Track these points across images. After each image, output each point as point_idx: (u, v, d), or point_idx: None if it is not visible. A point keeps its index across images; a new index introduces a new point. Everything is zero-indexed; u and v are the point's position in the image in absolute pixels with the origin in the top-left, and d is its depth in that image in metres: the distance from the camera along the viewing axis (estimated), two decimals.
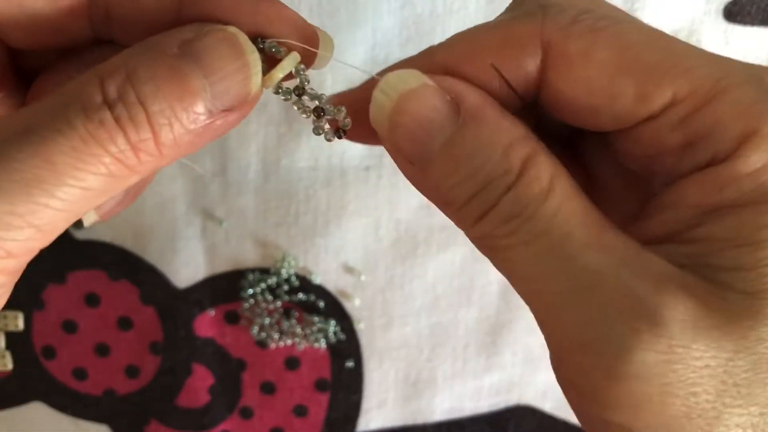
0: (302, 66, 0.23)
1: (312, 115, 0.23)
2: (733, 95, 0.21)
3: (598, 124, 0.23)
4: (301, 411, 0.50)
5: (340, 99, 0.25)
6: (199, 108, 0.21)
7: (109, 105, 0.20)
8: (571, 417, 0.51)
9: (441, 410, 0.50)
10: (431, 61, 0.23)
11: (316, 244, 0.46)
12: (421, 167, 0.22)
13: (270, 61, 0.23)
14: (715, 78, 0.21)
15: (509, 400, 0.50)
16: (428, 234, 0.46)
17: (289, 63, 0.23)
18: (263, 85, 0.23)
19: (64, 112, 0.20)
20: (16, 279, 0.22)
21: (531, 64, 0.22)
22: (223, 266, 0.47)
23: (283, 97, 0.23)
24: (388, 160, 0.44)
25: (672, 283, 0.20)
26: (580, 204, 0.21)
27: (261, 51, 0.23)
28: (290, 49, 0.23)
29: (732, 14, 0.41)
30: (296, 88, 0.23)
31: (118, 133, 0.20)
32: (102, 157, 0.20)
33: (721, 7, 0.41)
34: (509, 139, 0.21)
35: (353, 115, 0.24)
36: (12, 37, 0.24)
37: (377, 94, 0.22)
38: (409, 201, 0.45)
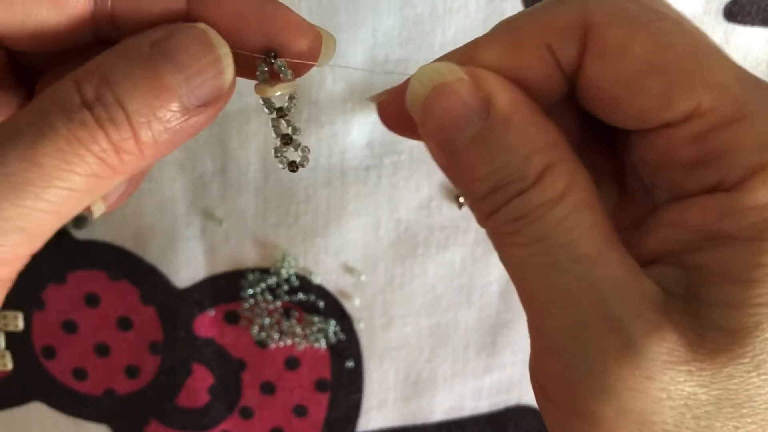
0: (296, 95, 0.25)
1: (279, 140, 0.25)
2: (757, 123, 0.20)
3: (619, 120, 0.23)
4: (301, 411, 0.50)
5: (387, 92, 0.25)
6: (176, 105, 0.21)
7: (88, 106, 0.21)
8: None
9: (441, 410, 0.50)
10: (475, 53, 0.23)
11: (316, 244, 0.46)
12: (448, 156, 0.23)
13: (272, 75, 0.24)
14: (743, 100, 0.20)
15: (509, 400, 0.50)
16: (428, 234, 0.46)
17: (287, 87, 0.24)
18: (258, 92, 0.24)
19: (46, 115, 0.20)
20: (8, 287, 0.22)
21: (573, 50, 0.22)
22: (223, 266, 0.47)
23: (266, 110, 0.24)
24: (388, 160, 0.44)
25: (656, 311, 0.20)
26: (590, 216, 0.21)
27: (270, 65, 0.24)
28: (296, 68, 0.24)
29: (732, 14, 0.41)
30: (280, 109, 0.24)
31: (99, 133, 0.21)
32: (86, 157, 0.20)
33: (722, 6, 0.41)
34: (532, 146, 0.21)
35: (398, 106, 0.24)
36: (15, 43, 0.24)
37: (414, 83, 0.23)
38: (409, 201, 0.45)
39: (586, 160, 0.24)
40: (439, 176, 0.44)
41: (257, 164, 0.44)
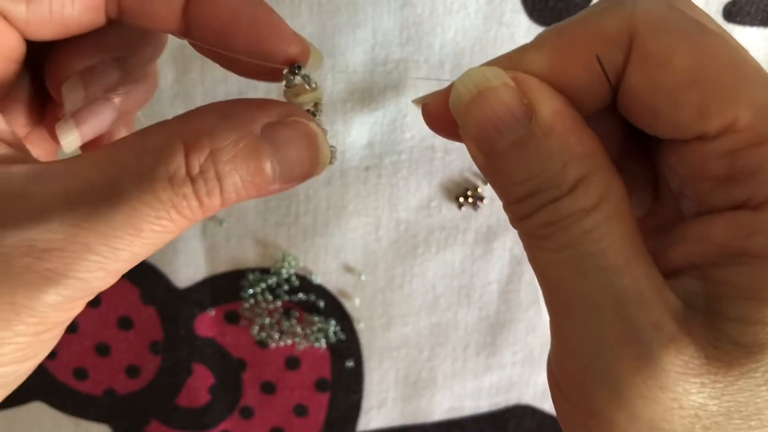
0: (321, 101, 0.27)
1: None
2: None
3: (655, 129, 0.23)
4: (301, 411, 0.50)
5: (432, 95, 0.26)
6: (267, 183, 0.23)
7: (192, 179, 0.22)
8: None
9: (441, 410, 0.50)
10: (522, 59, 0.24)
11: (316, 244, 0.46)
12: (488, 159, 0.23)
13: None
14: None
15: (509, 400, 0.50)
16: (428, 234, 0.46)
17: (312, 96, 0.26)
18: (288, 100, 0.26)
19: (151, 184, 0.22)
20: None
21: (619, 58, 0.23)
22: (223, 266, 0.47)
23: None
24: (388, 160, 0.44)
25: (676, 324, 0.21)
26: (620, 228, 0.22)
27: (294, 75, 0.25)
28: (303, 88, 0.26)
29: (731, 14, 0.41)
30: (308, 112, 0.26)
31: (195, 203, 0.22)
32: (179, 221, 0.23)
33: (721, 7, 0.41)
34: (570, 156, 0.22)
35: (441, 108, 0.25)
36: (39, 35, 0.25)
37: (458, 85, 0.23)
38: (409, 201, 0.45)
39: (624, 165, 0.24)
40: (439, 176, 0.45)
41: None
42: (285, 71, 0.25)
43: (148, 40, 0.29)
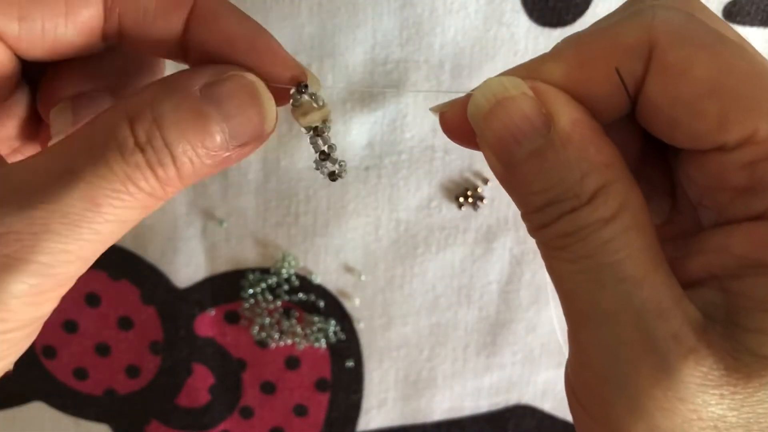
0: (329, 118, 0.27)
1: (318, 155, 0.27)
2: None
3: (675, 139, 0.23)
4: (301, 411, 0.50)
5: (450, 103, 0.26)
6: (218, 147, 0.23)
7: (141, 149, 0.22)
8: (571, 417, 0.51)
9: (441, 410, 0.50)
10: (541, 68, 0.24)
11: (316, 244, 0.46)
12: (506, 169, 0.23)
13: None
14: None
15: (509, 400, 0.50)
16: (428, 234, 0.46)
17: (320, 113, 0.27)
18: (296, 118, 0.27)
19: (103, 156, 0.22)
20: (55, 305, 0.24)
21: (639, 69, 0.23)
22: (223, 266, 0.47)
23: (303, 130, 0.27)
24: (388, 160, 0.44)
25: (695, 335, 0.21)
26: (639, 238, 0.22)
27: (300, 94, 0.26)
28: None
29: (731, 14, 0.41)
30: (316, 129, 0.27)
31: (149, 174, 0.22)
32: (137, 194, 0.23)
33: (721, 7, 0.41)
34: (589, 166, 0.22)
35: (459, 117, 0.25)
36: (32, 55, 0.25)
37: (477, 95, 0.23)
38: (409, 201, 0.45)
39: (642, 173, 0.24)
40: (439, 176, 0.45)
41: (257, 164, 0.44)
42: (292, 91, 0.26)
43: (144, 70, 0.28)
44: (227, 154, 0.24)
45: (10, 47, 0.24)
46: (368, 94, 0.42)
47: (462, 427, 0.51)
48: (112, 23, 0.25)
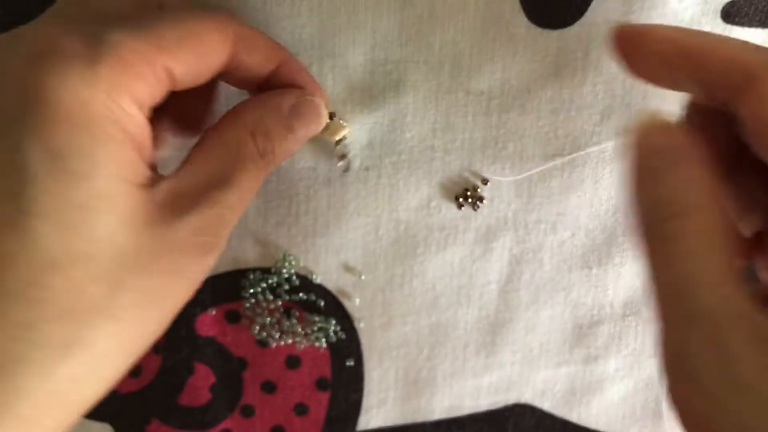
0: (349, 134, 0.42)
1: (338, 158, 0.43)
2: None
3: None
4: (301, 410, 0.50)
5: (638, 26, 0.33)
6: (297, 146, 0.36)
7: (261, 155, 0.34)
8: (570, 415, 0.51)
9: (440, 409, 0.51)
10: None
11: (316, 244, 0.46)
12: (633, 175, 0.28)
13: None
14: None
15: (508, 399, 0.51)
16: (428, 234, 0.46)
17: (342, 131, 0.42)
18: (328, 134, 0.41)
19: (243, 162, 0.33)
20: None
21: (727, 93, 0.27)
22: (223, 266, 0.47)
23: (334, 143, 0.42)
24: (388, 160, 0.44)
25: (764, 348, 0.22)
26: (723, 257, 0.25)
27: (331, 118, 0.41)
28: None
29: (730, 15, 0.41)
30: (338, 141, 0.42)
31: (264, 172, 0.34)
32: (259, 179, 0.34)
33: (719, 7, 0.41)
34: (689, 189, 0.26)
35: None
36: (183, 86, 0.32)
37: (639, 121, 0.28)
38: (409, 201, 0.45)
39: (741, 185, 0.28)
40: (438, 176, 0.45)
41: None
42: (328, 120, 0.39)
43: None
44: (299, 147, 0.36)
45: (168, 84, 0.31)
46: (368, 94, 0.43)
47: (461, 426, 0.51)
48: (228, 67, 0.34)
